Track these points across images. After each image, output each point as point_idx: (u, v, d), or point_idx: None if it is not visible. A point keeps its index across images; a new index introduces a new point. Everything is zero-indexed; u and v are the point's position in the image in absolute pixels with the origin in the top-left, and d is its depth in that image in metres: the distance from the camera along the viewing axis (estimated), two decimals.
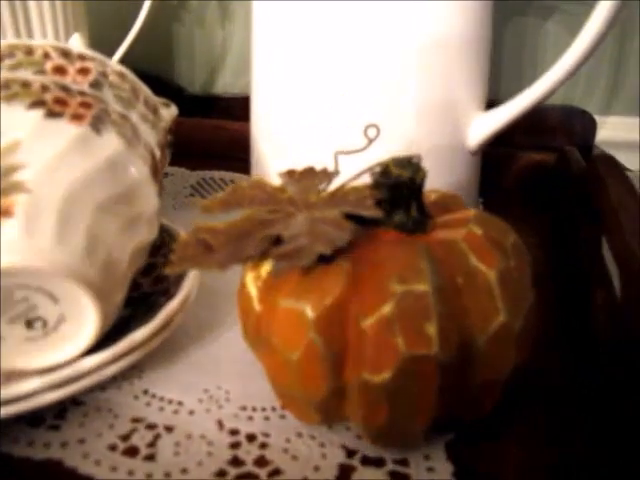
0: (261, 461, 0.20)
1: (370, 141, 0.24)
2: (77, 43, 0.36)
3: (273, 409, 0.22)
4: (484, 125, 0.29)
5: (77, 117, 0.21)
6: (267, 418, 0.22)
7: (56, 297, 0.19)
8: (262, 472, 0.19)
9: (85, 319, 0.20)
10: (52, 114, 0.21)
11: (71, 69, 0.23)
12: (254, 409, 0.22)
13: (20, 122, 0.20)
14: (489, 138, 0.30)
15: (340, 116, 0.29)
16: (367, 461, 0.20)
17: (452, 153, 0.30)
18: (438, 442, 0.20)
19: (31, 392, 0.19)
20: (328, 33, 0.28)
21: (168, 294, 0.25)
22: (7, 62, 0.22)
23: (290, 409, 0.21)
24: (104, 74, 0.24)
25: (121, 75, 0.24)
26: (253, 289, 0.20)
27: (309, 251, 0.17)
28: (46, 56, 0.23)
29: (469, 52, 0.29)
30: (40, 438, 0.21)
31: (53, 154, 0.20)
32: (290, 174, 0.22)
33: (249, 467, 0.19)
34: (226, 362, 0.24)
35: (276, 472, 0.19)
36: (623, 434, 0.20)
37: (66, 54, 0.23)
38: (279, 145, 0.32)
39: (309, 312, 0.18)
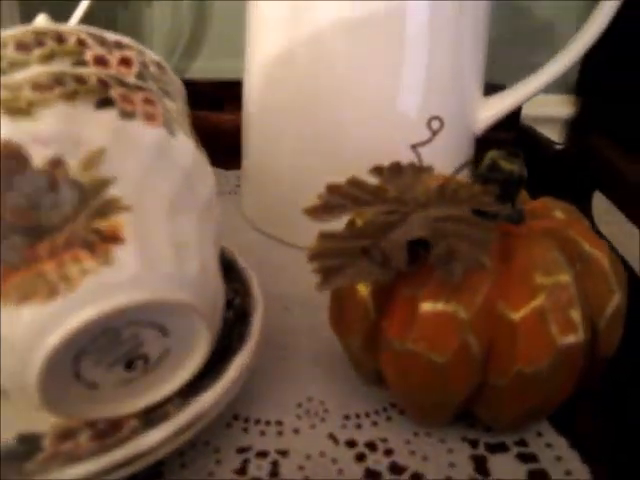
0: (396, 468, 0.19)
1: (434, 133, 0.24)
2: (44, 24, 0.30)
3: (376, 413, 0.21)
4: (492, 108, 0.31)
5: (150, 117, 0.18)
6: (375, 423, 0.21)
7: (168, 330, 0.17)
8: (403, 479, 0.19)
9: (193, 351, 0.18)
10: (125, 114, 0.17)
11: (112, 59, 0.19)
12: (357, 416, 0.21)
13: (94, 126, 0.17)
14: (495, 121, 0.31)
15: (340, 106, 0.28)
16: (492, 448, 0.20)
17: (460, 136, 0.31)
18: None
19: (149, 449, 0.16)
20: (333, 27, 0.27)
21: (231, 306, 0.23)
22: (37, 52, 0.18)
23: (413, 412, 0.20)
24: (144, 64, 0.20)
25: (159, 66, 0.21)
26: (367, 294, 0.19)
27: (467, 254, 0.17)
28: (81, 43, 0.19)
29: (476, 33, 0.30)
30: None
31: (141, 163, 0.17)
32: (378, 171, 0.21)
33: (388, 477, 0.19)
34: (303, 371, 0.23)
35: (416, 477, 0.19)
36: None
37: (102, 41, 0.20)
38: (275, 138, 0.31)
39: (463, 313, 0.17)
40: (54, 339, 0.14)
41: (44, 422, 0.18)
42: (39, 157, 0.16)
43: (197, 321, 0.17)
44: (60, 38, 0.19)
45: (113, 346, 0.16)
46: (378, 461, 0.19)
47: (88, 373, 0.16)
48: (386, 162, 0.22)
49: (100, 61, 0.19)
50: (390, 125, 0.27)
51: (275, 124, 0.31)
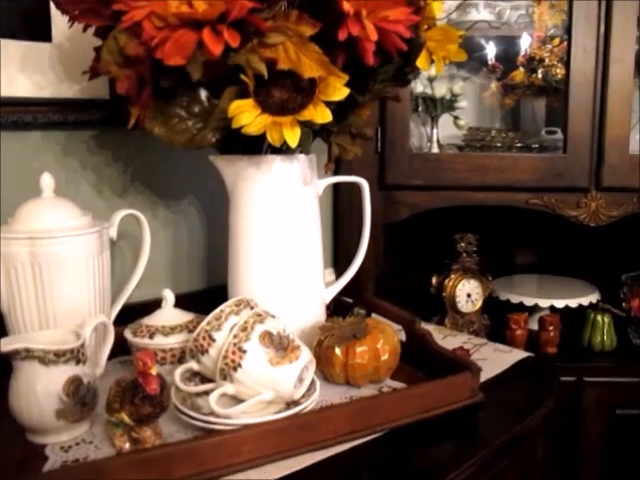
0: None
1: None
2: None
3: (343, 390, 0.72)
4: (333, 288, 0.86)
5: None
6: (342, 392, 0.71)
7: (309, 369, 0.65)
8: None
9: (309, 378, 0.66)
10: (274, 327, 0.66)
11: (253, 304, 0.68)
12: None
13: (277, 323, 0.65)
14: (335, 296, 0.86)
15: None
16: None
17: (319, 305, 0.85)
18: None
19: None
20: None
21: None
22: (235, 307, 0.66)
23: (333, 379, 0.72)
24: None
25: None
26: (339, 351, 0.71)
27: (348, 338, 0.71)
28: (248, 303, 0.67)
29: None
30: None
31: (291, 330, 0.66)
32: (321, 327, 0.74)
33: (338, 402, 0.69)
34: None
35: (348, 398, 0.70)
36: None
37: (249, 302, 0.68)
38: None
39: (338, 351, 0.71)
40: (296, 371, 0.62)
41: (278, 406, 0.63)
42: (272, 327, 0.64)
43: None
44: (239, 303, 0.67)
45: (302, 375, 0.64)
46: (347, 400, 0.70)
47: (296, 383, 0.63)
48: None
49: (254, 306, 0.68)
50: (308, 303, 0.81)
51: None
